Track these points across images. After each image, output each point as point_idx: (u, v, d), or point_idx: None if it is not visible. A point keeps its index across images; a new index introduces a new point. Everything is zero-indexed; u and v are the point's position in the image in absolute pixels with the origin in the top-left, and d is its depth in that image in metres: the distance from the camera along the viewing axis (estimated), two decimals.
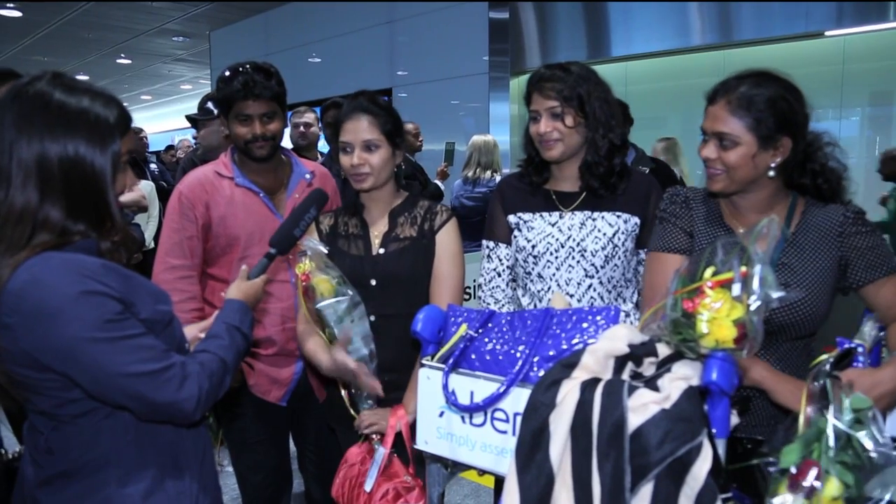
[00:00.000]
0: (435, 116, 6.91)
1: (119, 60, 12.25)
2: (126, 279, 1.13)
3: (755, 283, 0.99)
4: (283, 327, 1.95)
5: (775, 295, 0.98)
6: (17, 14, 8.87)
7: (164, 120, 19.00)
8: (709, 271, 1.04)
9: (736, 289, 1.00)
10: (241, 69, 1.87)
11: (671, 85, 6.72)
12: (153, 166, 5.30)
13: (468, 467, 1.25)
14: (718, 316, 1.00)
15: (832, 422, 0.94)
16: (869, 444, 0.91)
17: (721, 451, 1.02)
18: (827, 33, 5.24)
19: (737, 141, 1.35)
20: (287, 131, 3.83)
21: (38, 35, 10.11)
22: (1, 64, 12.40)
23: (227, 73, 1.88)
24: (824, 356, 1.13)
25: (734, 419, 1.11)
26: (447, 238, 1.76)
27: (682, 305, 1.03)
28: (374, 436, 1.62)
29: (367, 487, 1.54)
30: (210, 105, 3.10)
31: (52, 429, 1.14)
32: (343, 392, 1.71)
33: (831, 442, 0.93)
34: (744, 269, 1.01)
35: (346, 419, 1.72)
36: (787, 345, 1.40)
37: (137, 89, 15.64)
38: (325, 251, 1.61)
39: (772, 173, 1.38)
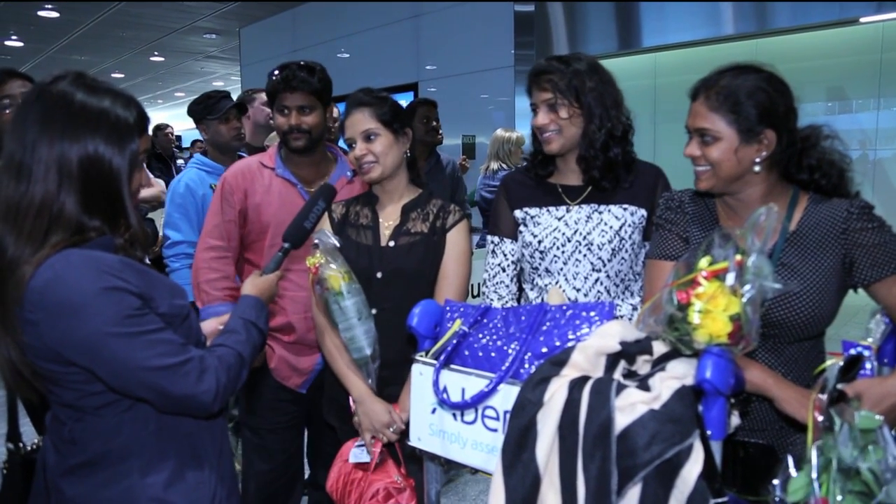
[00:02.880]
0: (461, 110, 6.88)
1: (152, 58, 12.48)
2: (143, 275, 1.16)
3: (750, 273, 0.95)
4: (305, 315, 1.98)
5: (770, 285, 0.94)
6: (55, 15, 9.11)
7: None
8: (704, 261, 1.00)
9: (730, 278, 0.96)
10: (287, 66, 1.98)
11: (702, 76, 6.56)
12: (180, 162, 5.37)
13: (462, 465, 1.23)
14: (713, 309, 0.96)
15: (838, 452, 0.90)
16: (878, 470, 0.87)
17: (717, 453, 0.97)
18: (862, 19, 5.06)
19: (717, 136, 1.31)
20: None
21: (75, 35, 10.36)
22: (42, 63, 12.77)
23: (276, 70, 2.00)
24: (830, 362, 1.08)
25: (735, 420, 1.07)
26: (457, 237, 1.76)
27: (676, 297, 1.00)
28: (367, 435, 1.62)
29: (351, 459, 1.56)
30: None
31: (75, 420, 1.17)
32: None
33: (836, 474, 0.90)
34: (739, 258, 0.97)
35: (343, 414, 1.73)
36: (793, 347, 1.33)
37: (171, 86, 15.94)
38: (338, 245, 1.62)
39: (757, 168, 1.32)
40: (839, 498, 0.91)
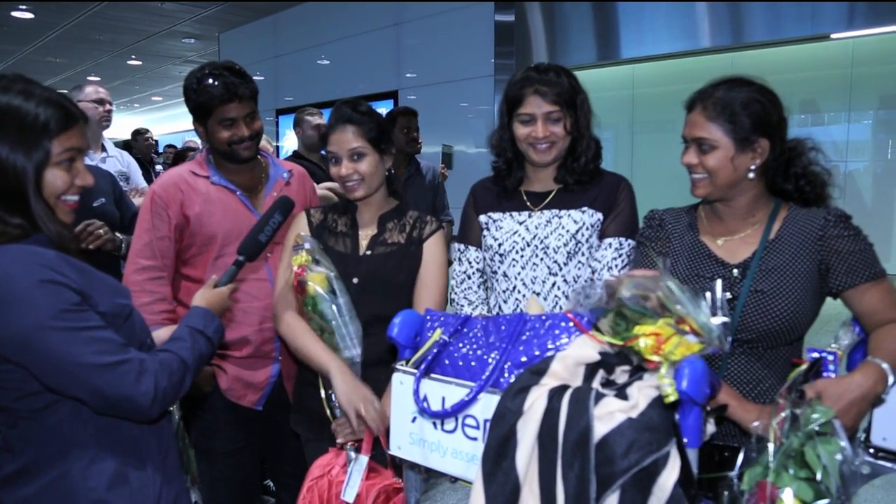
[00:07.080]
0: (441, 118, 6.91)
1: (130, 62, 12.33)
2: (83, 272, 1.14)
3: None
4: (260, 327, 1.91)
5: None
6: (29, 16, 8.96)
7: (175, 121, 19.12)
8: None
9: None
10: (211, 73, 1.83)
11: (679, 88, 6.61)
12: (158, 168, 5.31)
13: (442, 474, 1.24)
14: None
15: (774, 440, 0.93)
16: (832, 462, 0.90)
17: (693, 460, 0.99)
18: (833, 35, 5.19)
19: (714, 145, 1.37)
20: (294, 133, 3.88)
21: (51, 36, 10.19)
22: (15, 65, 12.53)
23: (199, 78, 1.84)
24: (798, 369, 1.11)
25: (710, 428, 1.09)
26: (434, 247, 1.77)
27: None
28: (349, 443, 1.60)
29: (349, 498, 1.49)
30: None
31: (10, 426, 1.15)
32: (322, 394, 1.69)
33: (773, 458, 0.92)
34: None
35: (315, 424, 1.72)
36: (773, 352, 1.37)
37: (148, 90, 15.75)
38: (320, 247, 1.63)
39: (751, 175, 1.38)
40: (791, 486, 0.94)
